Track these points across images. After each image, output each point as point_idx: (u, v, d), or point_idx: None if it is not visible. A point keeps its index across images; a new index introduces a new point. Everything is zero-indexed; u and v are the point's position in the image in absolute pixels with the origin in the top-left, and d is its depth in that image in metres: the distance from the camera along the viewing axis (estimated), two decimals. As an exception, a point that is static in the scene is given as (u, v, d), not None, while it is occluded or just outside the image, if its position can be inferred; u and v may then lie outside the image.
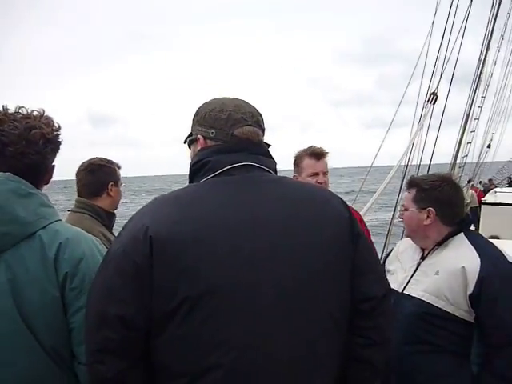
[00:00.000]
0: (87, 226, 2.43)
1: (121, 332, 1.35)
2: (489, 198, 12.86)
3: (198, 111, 1.60)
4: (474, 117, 14.76)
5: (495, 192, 14.55)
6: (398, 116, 7.71)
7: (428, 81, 7.44)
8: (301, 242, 1.42)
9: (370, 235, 2.96)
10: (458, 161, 13.03)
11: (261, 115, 1.60)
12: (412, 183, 2.24)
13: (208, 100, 1.61)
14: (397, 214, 5.60)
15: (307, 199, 1.52)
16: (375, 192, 6.26)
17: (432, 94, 6.88)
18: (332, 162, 2.96)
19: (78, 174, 2.81)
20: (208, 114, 1.54)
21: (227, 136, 1.51)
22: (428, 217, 2.14)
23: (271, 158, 1.58)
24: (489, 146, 19.26)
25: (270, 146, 1.59)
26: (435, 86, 7.19)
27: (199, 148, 1.55)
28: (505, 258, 2.06)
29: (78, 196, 2.80)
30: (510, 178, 25.47)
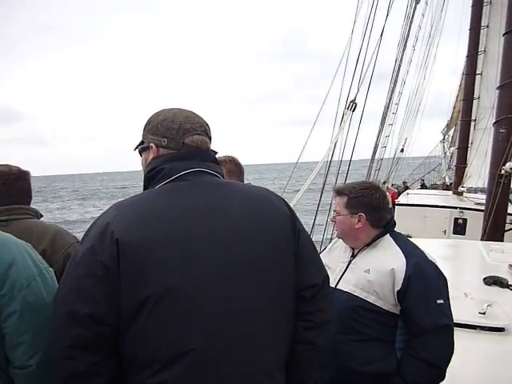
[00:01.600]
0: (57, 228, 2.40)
1: (92, 329, 1.44)
2: (402, 199, 13.58)
3: (149, 120, 1.73)
4: (390, 116, 15.61)
5: (407, 193, 15.41)
6: (315, 113, 8.02)
7: (347, 80, 7.81)
8: (252, 238, 1.58)
9: None
10: (376, 156, 13.67)
11: (208, 125, 1.75)
12: (343, 191, 2.44)
13: (158, 110, 1.74)
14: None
15: (254, 199, 1.69)
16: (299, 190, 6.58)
17: (352, 101, 7.25)
18: (250, 159, 3.19)
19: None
20: (160, 124, 1.68)
21: (178, 144, 1.66)
22: (359, 221, 2.37)
23: (218, 164, 1.74)
24: (402, 151, 20.40)
25: (216, 152, 1.76)
26: (355, 87, 7.56)
27: (152, 156, 1.68)
28: (426, 257, 2.32)
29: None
30: (422, 180, 26.94)
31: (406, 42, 13.27)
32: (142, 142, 1.74)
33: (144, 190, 1.69)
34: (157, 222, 1.50)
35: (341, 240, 2.53)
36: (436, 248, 5.73)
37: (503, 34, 7.91)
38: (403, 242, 2.36)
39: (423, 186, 24.13)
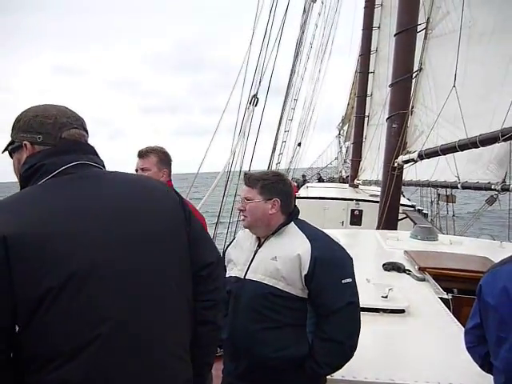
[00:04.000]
0: None
1: None
2: (302, 192, 14.02)
3: (18, 119, 1.63)
4: (284, 129, 16.06)
5: (307, 187, 15.95)
6: (211, 123, 8.09)
7: (246, 89, 7.90)
8: (144, 223, 1.58)
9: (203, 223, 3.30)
10: (272, 168, 14.08)
11: (82, 119, 1.71)
12: (255, 178, 2.46)
13: (26, 108, 1.65)
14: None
15: (141, 186, 1.70)
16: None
17: (253, 96, 7.36)
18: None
19: None
20: (32, 120, 1.60)
21: (56, 139, 1.59)
22: (273, 207, 2.40)
23: (98, 156, 1.70)
24: (299, 144, 21.07)
25: (92, 147, 1.70)
26: (255, 91, 7.68)
27: (27, 154, 1.60)
28: (330, 239, 2.40)
29: None
30: (318, 174, 27.97)
31: (299, 50, 13.73)
32: (12, 142, 1.65)
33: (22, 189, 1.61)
34: (46, 215, 1.45)
35: (246, 231, 2.54)
36: (337, 237, 5.97)
37: (394, 35, 8.41)
38: (307, 228, 2.43)
39: (320, 180, 25.05)
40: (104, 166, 1.69)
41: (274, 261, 2.31)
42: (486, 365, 2.15)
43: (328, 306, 2.25)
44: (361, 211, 11.55)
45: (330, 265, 2.28)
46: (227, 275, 2.48)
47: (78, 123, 1.66)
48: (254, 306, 2.31)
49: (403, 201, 10.93)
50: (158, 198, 1.69)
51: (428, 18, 8.21)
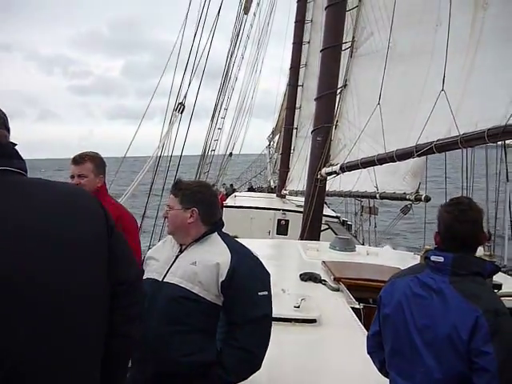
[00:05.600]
0: None
1: None
2: (229, 201, 14.06)
3: None
4: (220, 116, 16.07)
5: (235, 196, 16.01)
6: (144, 107, 7.95)
7: (178, 74, 7.82)
8: (60, 237, 1.50)
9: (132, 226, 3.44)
10: (208, 153, 13.96)
11: (5, 115, 1.59)
12: (178, 186, 2.50)
13: None
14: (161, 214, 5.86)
15: (63, 198, 1.60)
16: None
17: (180, 104, 7.32)
18: (76, 152, 3.35)
19: None
20: None
21: None
22: (191, 216, 2.42)
23: (21, 159, 1.59)
24: (230, 155, 21.11)
25: (15, 144, 1.60)
26: (186, 82, 7.63)
27: None
28: (251, 253, 2.45)
29: None
30: (250, 183, 28.09)
31: (236, 40, 13.82)
32: None
33: None
34: None
35: (170, 237, 2.56)
36: (260, 248, 6.04)
37: (320, 51, 8.66)
38: (230, 241, 2.47)
39: (251, 189, 25.20)
40: (26, 171, 1.58)
41: (194, 265, 2.34)
42: (383, 369, 2.26)
43: (242, 316, 2.29)
44: (287, 221, 11.74)
45: (248, 277, 2.33)
46: (145, 277, 2.47)
47: (0, 121, 1.54)
48: (168, 308, 2.32)
49: (328, 212, 11.22)
50: (80, 213, 1.60)
51: (353, 38, 8.51)
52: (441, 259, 2.04)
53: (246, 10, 15.33)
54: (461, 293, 1.94)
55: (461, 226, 2.04)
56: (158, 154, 7.38)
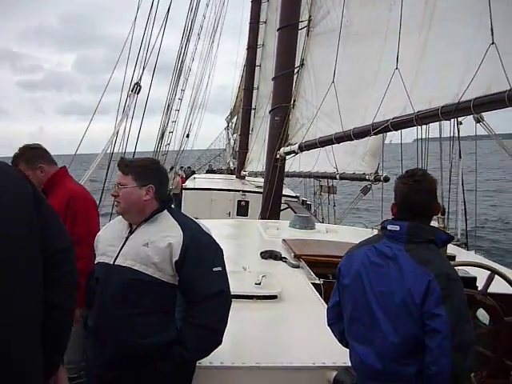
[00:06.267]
0: None
1: None
2: (189, 183, 14.00)
3: None
4: (175, 108, 15.90)
5: (194, 178, 15.94)
6: (95, 103, 7.76)
7: (131, 69, 7.68)
8: None
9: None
10: (162, 149, 13.84)
11: None
12: (130, 164, 2.44)
13: None
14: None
15: None
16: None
17: (136, 84, 7.19)
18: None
19: None
20: None
21: None
22: (147, 193, 2.38)
23: None
24: (187, 136, 20.88)
25: None
26: (139, 76, 7.50)
27: None
28: (202, 229, 2.42)
29: None
30: (210, 165, 27.96)
31: (190, 31, 13.60)
32: None
33: None
34: None
35: (118, 218, 2.51)
36: (220, 227, 6.07)
37: (277, 30, 8.63)
38: (180, 217, 2.45)
39: (211, 171, 25.11)
40: None
41: (146, 247, 2.30)
42: (343, 340, 2.32)
43: (199, 293, 2.29)
44: (247, 202, 11.78)
45: (201, 253, 2.32)
46: (96, 261, 2.45)
47: None
48: (123, 292, 2.28)
49: (287, 191, 11.30)
50: (6, 186, 1.62)
51: (309, 17, 8.50)
52: (397, 228, 2.12)
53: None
54: (415, 259, 2.01)
55: (416, 195, 2.12)
56: (110, 150, 7.19)
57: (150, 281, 2.27)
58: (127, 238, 2.39)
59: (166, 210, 2.44)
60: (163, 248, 2.28)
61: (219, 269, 2.35)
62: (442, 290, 1.91)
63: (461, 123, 7.70)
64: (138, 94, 7.14)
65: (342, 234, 5.83)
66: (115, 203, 2.45)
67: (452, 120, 7.36)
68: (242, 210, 11.75)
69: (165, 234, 2.31)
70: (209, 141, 31.45)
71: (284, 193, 9.37)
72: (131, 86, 7.14)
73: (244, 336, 2.86)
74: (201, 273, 2.30)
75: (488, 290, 2.96)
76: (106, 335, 2.30)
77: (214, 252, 2.39)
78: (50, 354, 1.71)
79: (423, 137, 8.50)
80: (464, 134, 8.26)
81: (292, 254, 4.46)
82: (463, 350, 1.89)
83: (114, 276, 2.32)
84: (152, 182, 2.39)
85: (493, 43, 4.00)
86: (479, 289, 3.04)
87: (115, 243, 2.40)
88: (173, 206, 2.60)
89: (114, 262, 2.35)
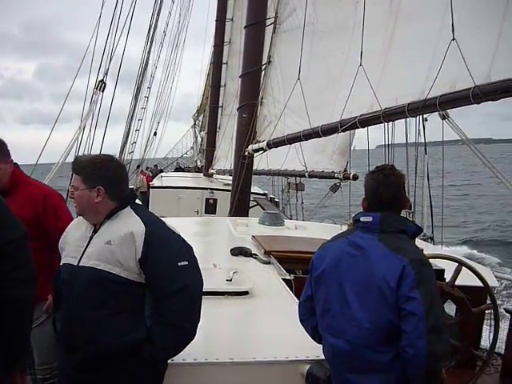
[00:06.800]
0: None
1: None
2: (156, 182, 13.87)
3: None
4: (138, 117, 15.76)
5: (161, 176, 15.80)
6: (57, 112, 7.59)
7: (94, 77, 7.53)
8: None
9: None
10: (125, 157, 13.69)
11: None
12: (80, 165, 2.37)
13: None
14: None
15: None
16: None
17: (100, 81, 7.04)
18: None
19: None
20: None
21: None
22: (98, 195, 2.31)
23: None
24: (155, 134, 20.70)
25: None
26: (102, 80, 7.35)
27: None
28: (165, 225, 2.37)
29: None
30: (178, 163, 27.72)
31: (152, 38, 13.52)
32: None
33: None
34: None
35: (81, 218, 2.44)
36: (190, 225, 6.03)
37: (244, 27, 8.61)
38: (143, 213, 2.39)
39: (179, 169, 24.92)
40: None
41: (109, 245, 2.24)
42: (316, 335, 2.33)
43: (164, 289, 2.24)
44: (215, 200, 11.74)
45: (165, 247, 2.27)
46: (61, 263, 2.37)
47: None
48: (90, 293, 2.23)
49: (255, 189, 11.31)
50: None
51: (276, 14, 8.51)
52: (370, 219, 2.18)
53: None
54: (388, 247, 2.07)
55: (385, 189, 2.19)
56: (71, 157, 7.05)
57: (116, 280, 2.21)
58: (91, 238, 2.33)
59: (129, 207, 2.38)
60: (126, 244, 2.22)
61: (185, 263, 2.28)
62: (416, 275, 1.97)
63: (426, 120, 7.84)
64: (103, 91, 7.01)
65: (311, 230, 5.87)
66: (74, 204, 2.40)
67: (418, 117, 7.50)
68: (211, 207, 11.70)
69: (127, 231, 2.25)
70: (174, 151, 31.09)
71: (252, 190, 9.38)
72: (96, 84, 7.00)
73: (217, 332, 2.84)
74: (164, 268, 2.24)
75: (456, 282, 3.02)
76: (75, 337, 2.25)
77: (178, 245, 2.33)
78: (8, 352, 1.65)
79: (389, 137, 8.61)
80: (428, 139, 8.44)
81: (262, 251, 4.46)
82: (437, 332, 1.94)
83: (79, 277, 2.26)
84: (101, 182, 2.31)
85: (453, 39, 4.07)
86: (447, 281, 3.10)
87: (79, 243, 2.34)
88: (139, 202, 2.53)
89: (79, 262, 2.28)
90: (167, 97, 21.29)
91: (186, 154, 29.52)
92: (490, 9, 4.14)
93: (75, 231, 2.45)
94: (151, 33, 13.17)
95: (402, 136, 8.80)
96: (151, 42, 13.55)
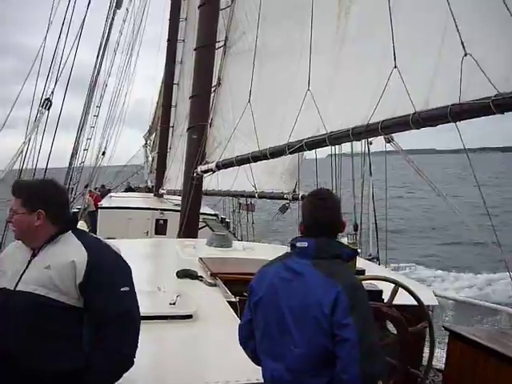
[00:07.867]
0: None
1: None
2: (105, 202, 13.61)
3: None
4: (90, 125, 15.49)
5: (110, 196, 15.52)
6: (3, 117, 7.39)
7: (42, 81, 7.40)
8: None
9: None
10: (75, 165, 13.38)
11: None
12: (20, 188, 2.31)
13: None
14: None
15: None
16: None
17: (46, 99, 6.91)
18: None
19: None
20: None
21: None
22: (38, 218, 2.25)
23: None
24: (103, 154, 20.32)
25: None
26: (50, 90, 7.23)
27: None
28: (108, 249, 2.34)
29: None
30: (128, 183, 27.31)
31: (105, 46, 13.40)
32: None
33: None
34: None
35: (20, 242, 2.38)
36: (136, 247, 5.93)
37: (194, 49, 8.66)
38: (86, 238, 2.35)
39: (129, 189, 24.55)
40: None
41: (48, 269, 2.18)
42: (255, 358, 2.32)
43: (106, 314, 2.20)
44: (165, 220, 11.62)
45: (107, 273, 2.24)
46: None
47: None
48: (26, 318, 2.16)
49: (205, 209, 11.26)
50: None
51: (226, 37, 8.61)
52: (305, 244, 2.20)
53: (119, 5, 14.95)
54: (322, 272, 2.09)
55: (321, 212, 2.22)
56: (18, 166, 6.84)
57: (53, 305, 2.16)
58: (30, 262, 2.26)
59: (70, 232, 2.33)
60: (66, 269, 2.17)
61: (126, 289, 2.26)
62: (350, 300, 1.99)
63: (371, 143, 8.04)
64: (48, 110, 6.86)
65: (259, 252, 5.87)
66: (12, 228, 2.33)
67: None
68: (161, 228, 11.57)
69: (67, 255, 2.21)
70: (127, 156, 30.78)
71: (202, 211, 9.34)
72: (41, 102, 6.85)
73: (160, 357, 2.80)
74: (106, 294, 2.21)
75: (394, 302, 3.09)
76: (12, 364, 2.17)
77: (120, 272, 2.31)
78: None
79: (336, 152, 8.76)
80: (376, 149, 8.61)
81: (208, 273, 4.44)
82: (371, 355, 1.96)
83: (15, 302, 2.19)
84: (41, 206, 2.26)
85: (395, 67, 4.21)
86: (385, 301, 3.16)
87: (17, 267, 2.27)
88: (85, 225, 2.48)
89: (16, 287, 2.21)
90: (120, 104, 20.89)
91: (137, 173, 29.15)
92: (429, 37, 4.31)
93: (14, 254, 2.37)
94: (103, 40, 13.01)
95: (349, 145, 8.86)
96: (103, 50, 13.37)
